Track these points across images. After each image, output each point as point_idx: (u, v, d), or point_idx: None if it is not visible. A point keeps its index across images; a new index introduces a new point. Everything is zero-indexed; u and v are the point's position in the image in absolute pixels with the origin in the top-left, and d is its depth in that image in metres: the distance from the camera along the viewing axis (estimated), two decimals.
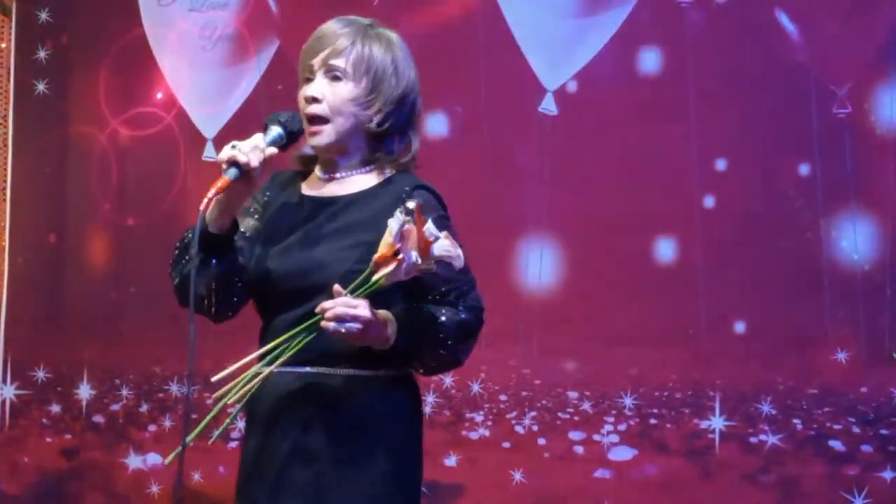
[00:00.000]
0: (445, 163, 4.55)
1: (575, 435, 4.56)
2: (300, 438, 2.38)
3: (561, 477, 4.54)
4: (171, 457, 2.38)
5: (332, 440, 2.37)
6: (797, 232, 4.32)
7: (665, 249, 4.48)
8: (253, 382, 2.34)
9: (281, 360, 2.34)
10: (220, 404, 2.37)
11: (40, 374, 5.54)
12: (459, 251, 2.32)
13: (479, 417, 4.69)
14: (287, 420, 2.40)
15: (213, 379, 2.36)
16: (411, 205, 2.27)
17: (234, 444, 4.85)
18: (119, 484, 5.35)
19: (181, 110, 5.30)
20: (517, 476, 4.58)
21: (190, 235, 2.39)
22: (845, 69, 4.29)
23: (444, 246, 2.28)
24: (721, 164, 4.44)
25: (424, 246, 2.25)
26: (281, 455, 2.39)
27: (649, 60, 4.54)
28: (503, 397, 4.68)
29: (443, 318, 2.39)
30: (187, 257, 2.38)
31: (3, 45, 5.71)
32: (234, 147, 2.32)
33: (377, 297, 2.31)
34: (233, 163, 2.31)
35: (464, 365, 2.56)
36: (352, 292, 2.27)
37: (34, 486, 5.52)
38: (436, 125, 4.76)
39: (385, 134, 2.50)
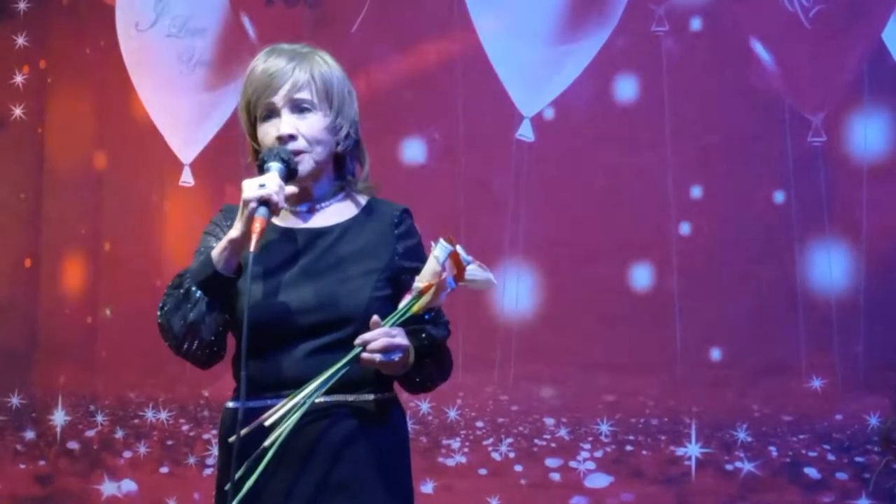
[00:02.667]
0: (423, 189, 4.57)
1: (551, 462, 4.56)
2: (329, 468, 2.36)
3: None
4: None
5: (359, 466, 2.38)
6: (772, 259, 4.34)
7: (641, 276, 4.49)
8: (299, 412, 2.29)
9: (322, 389, 2.31)
10: (279, 438, 2.27)
11: (14, 400, 5.50)
12: (490, 274, 2.38)
13: (455, 444, 4.68)
14: (311, 451, 2.36)
15: (267, 423, 2.27)
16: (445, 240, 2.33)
17: (208, 472, 4.83)
18: None
19: (158, 135, 5.29)
20: (493, 503, 4.57)
21: (189, 281, 2.37)
22: (820, 98, 4.33)
23: (476, 270, 2.35)
24: (697, 192, 4.46)
25: (460, 272, 2.31)
26: (311, 486, 2.35)
27: (625, 88, 4.57)
28: (480, 424, 4.67)
29: (439, 339, 2.46)
30: (190, 304, 2.34)
31: None
32: (263, 186, 2.28)
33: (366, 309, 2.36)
34: (264, 202, 2.28)
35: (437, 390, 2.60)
36: (388, 322, 2.31)
37: None
38: (414, 152, 4.77)
39: (347, 153, 2.53)
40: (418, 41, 4.86)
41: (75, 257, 5.49)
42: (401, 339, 2.29)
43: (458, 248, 2.32)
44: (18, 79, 5.61)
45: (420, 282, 2.33)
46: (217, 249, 2.34)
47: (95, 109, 5.47)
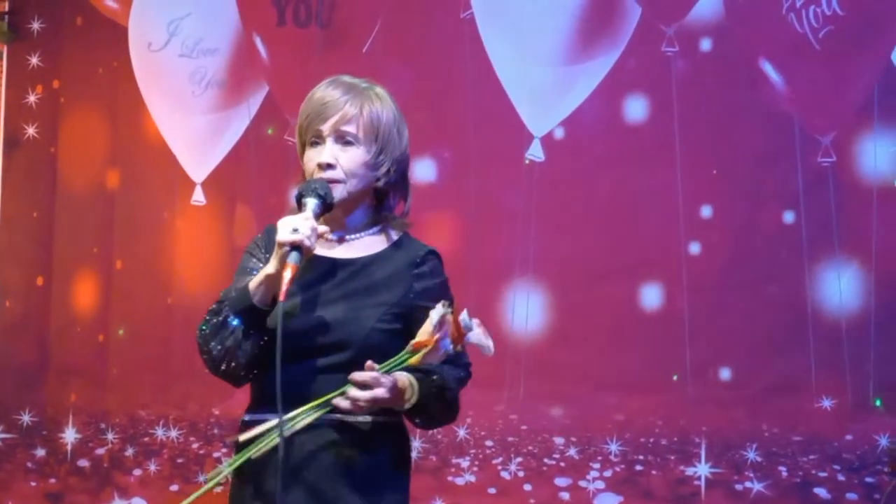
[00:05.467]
0: (433, 208, 4.58)
1: (561, 481, 4.55)
2: (318, 485, 2.43)
3: None
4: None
5: (349, 486, 2.44)
6: (782, 279, 4.34)
7: (651, 296, 4.50)
8: (275, 441, 2.39)
9: (304, 422, 2.41)
10: (243, 457, 2.45)
11: (26, 418, 5.51)
12: (490, 342, 2.45)
13: (465, 463, 4.68)
14: (301, 467, 2.44)
15: (241, 439, 2.45)
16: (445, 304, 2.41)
17: (219, 489, 4.84)
18: None
19: (170, 154, 5.32)
20: None
21: (227, 310, 2.47)
22: (829, 118, 4.34)
23: (477, 335, 2.43)
24: (706, 212, 4.47)
25: (459, 336, 2.39)
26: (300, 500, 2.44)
27: (635, 108, 4.58)
28: (489, 443, 4.67)
29: (451, 381, 2.51)
30: (227, 332, 2.46)
31: None
32: (296, 231, 2.38)
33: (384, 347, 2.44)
34: (296, 247, 2.38)
35: None
36: (383, 368, 2.39)
37: None
38: (424, 171, 4.78)
39: (389, 189, 2.60)
40: (429, 61, 4.89)
41: (87, 275, 5.52)
42: (384, 392, 2.36)
43: (463, 315, 2.39)
44: (32, 98, 5.64)
45: (416, 338, 2.41)
46: (255, 282, 2.44)
47: (108, 129, 5.50)
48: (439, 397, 2.48)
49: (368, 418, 2.44)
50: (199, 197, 5.27)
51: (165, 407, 5.24)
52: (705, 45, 4.52)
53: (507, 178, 4.70)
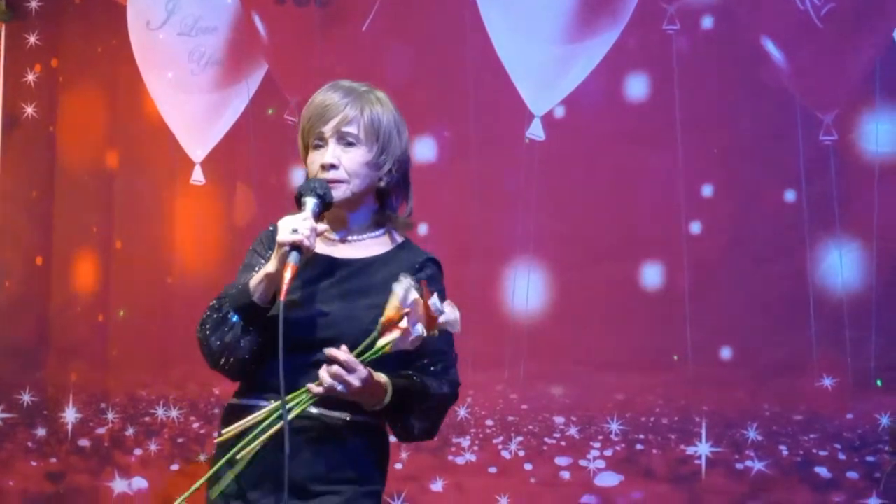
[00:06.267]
0: (433, 188, 4.57)
1: (561, 460, 4.56)
2: (292, 473, 2.45)
3: (547, 503, 4.54)
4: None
5: (320, 477, 2.50)
6: (783, 258, 4.33)
7: (652, 275, 4.49)
8: (261, 439, 2.46)
9: (288, 417, 2.42)
10: (231, 454, 2.50)
11: (26, 398, 5.52)
12: (457, 317, 2.47)
13: (465, 442, 4.68)
14: (278, 456, 2.45)
15: (225, 433, 2.53)
16: (414, 279, 2.43)
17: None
18: None
19: (170, 134, 5.31)
20: (503, 501, 4.57)
21: (227, 306, 2.52)
22: (831, 96, 4.32)
23: (447, 317, 2.44)
24: (707, 190, 4.46)
25: (430, 320, 2.41)
26: (271, 486, 2.49)
27: (636, 86, 4.56)
28: (490, 422, 4.67)
29: (432, 391, 2.54)
30: (227, 328, 2.52)
31: None
32: (295, 231, 2.44)
33: (375, 360, 2.45)
34: (296, 247, 2.44)
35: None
36: (358, 355, 2.41)
37: None
38: (424, 150, 4.77)
39: (391, 189, 2.66)
40: (429, 40, 4.87)
41: (87, 255, 5.51)
42: (356, 380, 2.39)
43: (433, 300, 2.40)
44: (30, 77, 5.63)
45: (383, 317, 2.42)
46: (255, 280, 2.51)
47: (107, 108, 5.49)
48: (418, 401, 2.52)
49: (347, 416, 2.49)
50: (198, 176, 5.26)
51: (166, 387, 5.24)
52: (707, 22, 4.50)
53: (507, 158, 4.69)
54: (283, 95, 5.09)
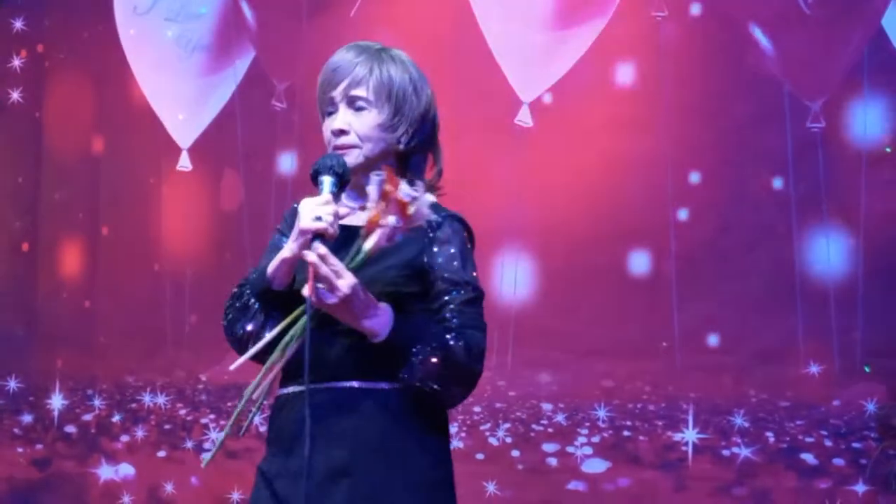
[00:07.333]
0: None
1: (549, 447, 4.56)
2: (329, 454, 2.38)
3: (534, 489, 4.54)
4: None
5: (359, 453, 2.39)
6: (770, 245, 4.34)
7: (639, 262, 4.49)
8: (270, 376, 2.40)
9: (293, 344, 2.37)
10: (246, 398, 2.41)
11: (12, 384, 5.50)
12: (432, 198, 2.39)
13: (452, 429, 4.68)
14: (315, 436, 2.36)
15: (232, 367, 2.43)
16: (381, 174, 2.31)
17: (206, 454, 4.82)
18: (90, 494, 5.32)
19: (157, 119, 5.29)
20: (490, 488, 4.58)
21: (248, 293, 2.44)
22: (819, 84, 4.33)
23: (419, 202, 2.31)
24: (695, 178, 4.46)
25: (402, 208, 2.29)
26: (315, 473, 2.37)
27: (624, 73, 4.56)
28: (477, 409, 4.68)
29: (443, 339, 2.42)
30: (249, 315, 2.44)
31: None
32: (318, 219, 2.29)
33: (393, 305, 2.37)
34: (320, 235, 2.29)
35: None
36: (347, 265, 2.31)
37: (4, 497, 5.48)
38: None
39: (412, 152, 2.55)
40: (417, 26, 4.85)
41: (73, 241, 5.50)
42: (343, 283, 2.27)
43: (403, 185, 2.28)
44: (16, 63, 5.60)
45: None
46: (272, 265, 2.40)
47: (93, 93, 5.47)
48: (415, 333, 2.38)
49: (356, 384, 2.39)
50: (185, 163, 5.24)
51: (152, 373, 5.23)
52: (695, 9, 4.49)
53: (495, 144, 4.68)
54: (270, 81, 5.07)
